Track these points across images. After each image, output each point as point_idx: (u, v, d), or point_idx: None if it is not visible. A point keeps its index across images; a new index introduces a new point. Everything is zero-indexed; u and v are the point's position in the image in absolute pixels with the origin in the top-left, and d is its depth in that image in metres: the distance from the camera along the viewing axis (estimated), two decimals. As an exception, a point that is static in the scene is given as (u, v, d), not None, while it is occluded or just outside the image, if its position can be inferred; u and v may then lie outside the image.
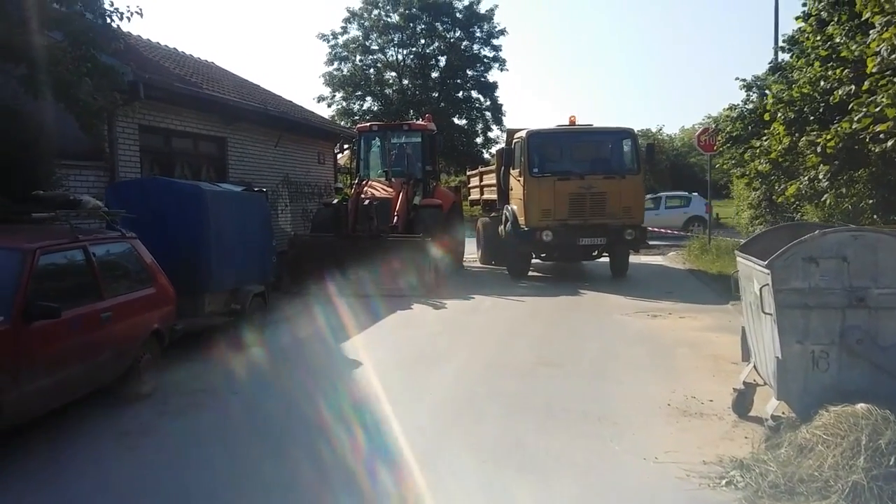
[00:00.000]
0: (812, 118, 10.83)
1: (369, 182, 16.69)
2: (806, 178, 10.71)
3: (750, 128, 16.58)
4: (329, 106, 42.84)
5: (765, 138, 12.47)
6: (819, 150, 9.82)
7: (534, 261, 17.06)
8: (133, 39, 15.78)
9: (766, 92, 16.45)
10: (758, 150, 12.50)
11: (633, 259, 16.85)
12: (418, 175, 17.04)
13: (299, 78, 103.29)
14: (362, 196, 15.80)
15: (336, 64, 42.99)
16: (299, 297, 13.41)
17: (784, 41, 15.33)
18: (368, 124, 18.45)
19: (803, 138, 10.38)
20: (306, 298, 13.12)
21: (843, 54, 9.13)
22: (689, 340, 9.50)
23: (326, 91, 43.02)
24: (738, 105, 17.27)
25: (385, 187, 16.30)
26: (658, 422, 6.20)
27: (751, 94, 17.10)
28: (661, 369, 8.00)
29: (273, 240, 10.36)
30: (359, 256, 13.93)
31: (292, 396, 7.19)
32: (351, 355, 8.96)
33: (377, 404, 6.77)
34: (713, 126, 18.56)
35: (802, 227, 6.71)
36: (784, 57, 16.29)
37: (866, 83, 8.37)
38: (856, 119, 8.32)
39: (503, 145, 17.63)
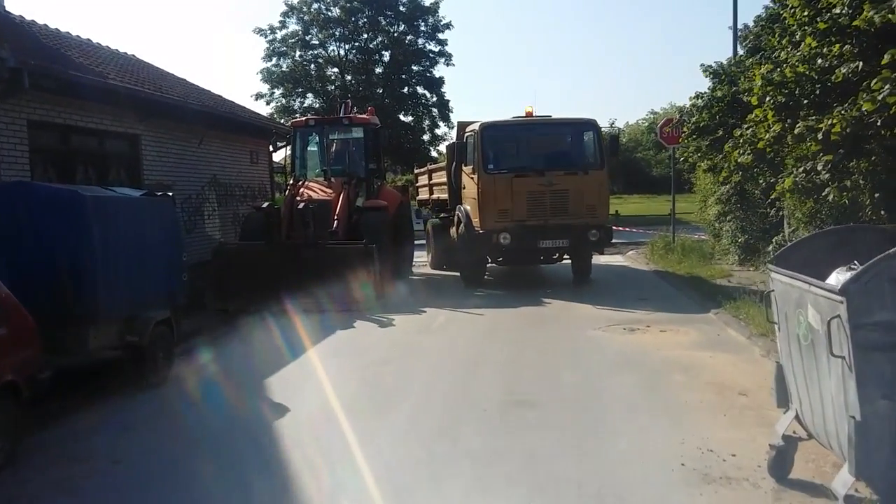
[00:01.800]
0: (806, 102, 9.51)
1: (306, 183, 14.95)
2: (801, 169, 9.39)
3: (718, 117, 15.40)
4: (268, 104, 40.67)
5: (747, 126, 11.14)
6: (821, 137, 8.49)
7: (490, 264, 15.55)
8: (33, 27, 13.87)
9: (737, 80, 15.32)
10: (740, 140, 11.17)
11: (594, 259, 15.46)
12: (361, 174, 15.35)
13: (236, 75, 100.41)
14: (297, 199, 14.06)
15: (274, 60, 40.80)
16: (221, 317, 11.66)
17: (758, 20, 14.09)
18: (304, 119, 16.68)
19: (800, 124, 9.04)
20: (229, 319, 11.39)
21: (855, 23, 7.81)
22: (681, 363, 8.06)
23: (265, 88, 40.88)
24: (705, 93, 16.05)
25: (324, 188, 14.59)
26: (676, 495, 4.69)
27: (717, 81, 15.88)
28: (660, 408, 6.52)
29: (183, 253, 8.61)
30: (294, 267, 12.26)
31: (184, 471, 5.49)
32: (275, 396, 7.29)
33: (295, 488, 5.09)
34: (677, 116, 17.27)
35: (858, 230, 5.29)
36: (740, 50, 15.30)
37: (887, 55, 7.03)
38: (879, 98, 6.97)
39: (454, 140, 16.05)
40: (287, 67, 40.86)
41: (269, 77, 40.43)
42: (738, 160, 11.60)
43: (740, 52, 16.65)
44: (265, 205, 13.45)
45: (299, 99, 41.20)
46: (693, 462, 5.12)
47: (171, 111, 14.06)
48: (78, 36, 16.42)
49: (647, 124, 76.73)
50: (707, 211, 18.66)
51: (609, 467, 5.15)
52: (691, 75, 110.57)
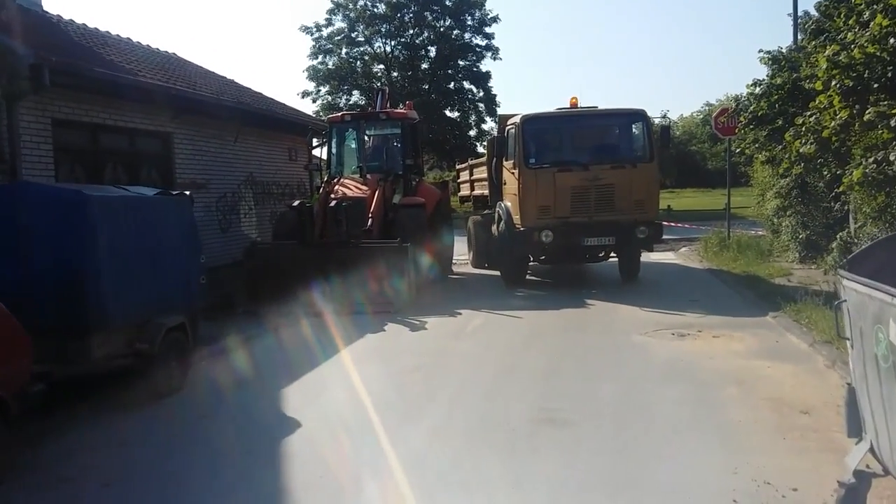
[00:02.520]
0: (877, 85, 8.62)
1: (342, 180, 14.48)
2: (871, 160, 8.52)
3: (777, 106, 14.42)
4: (314, 101, 40.73)
5: (810, 114, 10.26)
6: (894, 123, 7.65)
7: (532, 263, 14.87)
8: (69, 26, 13.74)
9: (798, 65, 14.33)
10: (803, 129, 10.29)
11: (644, 257, 14.65)
12: (398, 170, 14.82)
13: (282, 73, 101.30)
14: (332, 196, 13.61)
15: (320, 57, 40.83)
16: (252, 318, 11.27)
17: (820, 4, 13.08)
18: (340, 114, 16.20)
19: (870, 110, 8.19)
20: (258, 321, 10.99)
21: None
22: (735, 375, 7.31)
23: (311, 86, 40.85)
24: (764, 81, 15.07)
25: (359, 185, 14.10)
26: (727, 541, 4.02)
27: (777, 68, 14.90)
28: (710, 428, 5.81)
29: (201, 256, 8.18)
30: (326, 267, 11.81)
31: (176, 494, 5.02)
32: (290, 409, 6.79)
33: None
34: (734, 106, 16.30)
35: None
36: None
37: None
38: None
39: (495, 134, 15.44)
40: (333, 65, 40.79)
41: (315, 75, 40.40)
42: (800, 150, 10.72)
43: (801, 41, 15.61)
44: (296, 203, 13.00)
45: (345, 96, 41.03)
46: (747, 499, 4.42)
47: (205, 108, 13.77)
48: (117, 35, 16.29)
49: (701, 116, 74.69)
50: (765, 205, 17.62)
51: (650, 501, 4.50)
52: (748, 66, 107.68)
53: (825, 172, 10.70)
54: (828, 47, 9.81)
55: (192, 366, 8.05)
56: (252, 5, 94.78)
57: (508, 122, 14.35)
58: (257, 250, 12.74)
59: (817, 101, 10.19)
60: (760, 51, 15.48)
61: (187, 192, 8.12)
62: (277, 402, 7.02)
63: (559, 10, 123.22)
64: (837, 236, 13.06)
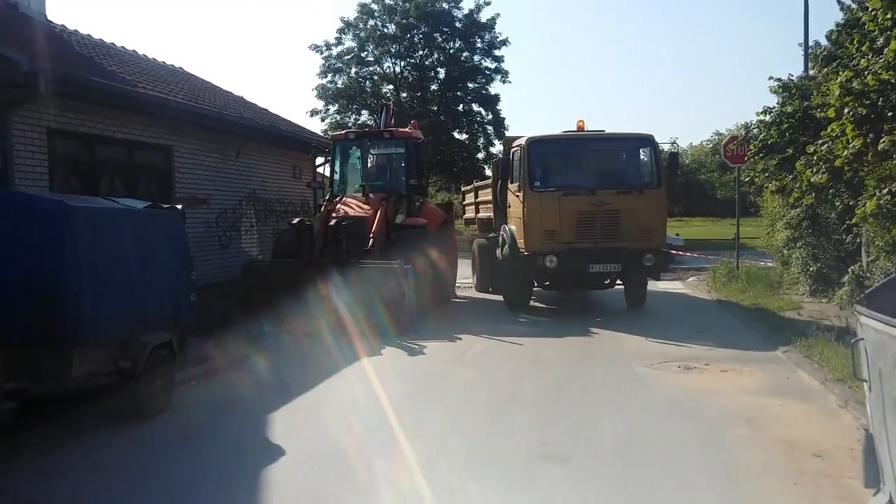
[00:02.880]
0: (891, 114, 8.35)
1: (343, 199, 14.24)
2: (886, 190, 8.23)
3: (788, 134, 14.16)
4: (323, 120, 40.51)
5: (822, 142, 9.99)
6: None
7: (536, 288, 14.55)
8: (73, 37, 13.61)
9: (809, 93, 14.09)
10: (814, 158, 10.02)
11: (650, 286, 14.33)
12: (402, 190, 14.57)
13: (292, 91, 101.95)
14: (333, 215, 13.37)
15: (330, 76, 40.68)
16: (247, 337, 10.97)
17: (831, 33, 12.88)
18: (344, 132, 16.01)
19: (884, 139, 7.91)
20: (253, 340, 10.70)
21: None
22: (744, 413, 6.97)
23: (320, 104, 40.73)
24: (773, 108, 14.83)
25: (360, 204, 13.85)
26: None
27: (787, 96, 14.66)
28: (716, 471, 5.47)
29: (193, 272, 7.91)
30: (324, 286, 11.54)
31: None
32: (274, 435, 6.47)
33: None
34: (743, 133, 16.04)
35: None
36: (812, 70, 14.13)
37: None
38: None
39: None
40: (342, 84, 40.66)
41: (325, 93, 40.27)
42: (812, 180, 10.44)
43: (812, 71, 15.40)
44: (295, 221, 12.73)
45: (354, 115, 40.91)
46: (757, 551, 4.09)
47: (207, 122, 13.58)
48: (122, 47, 16.19)
49: (711, 145, 74.63)
50: (775, 236, 17.31)
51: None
52: (758, 96, 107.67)
53: (837, 203, 10.40)
54: (840, 74, 9.56)
55: (178, 385, 7.77)
56: (263, 23, 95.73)
57: (514, 144, 14.12)
58: (254, 268, 12.49)
59: (829, 130, 9.92)
60: (771, 78, 15.25)
61: (179, 206, 7.85)
62: (263, 428, 6.71)
63: (570, 35, 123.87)
64: (849, 270, 12.75)
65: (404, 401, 7.53)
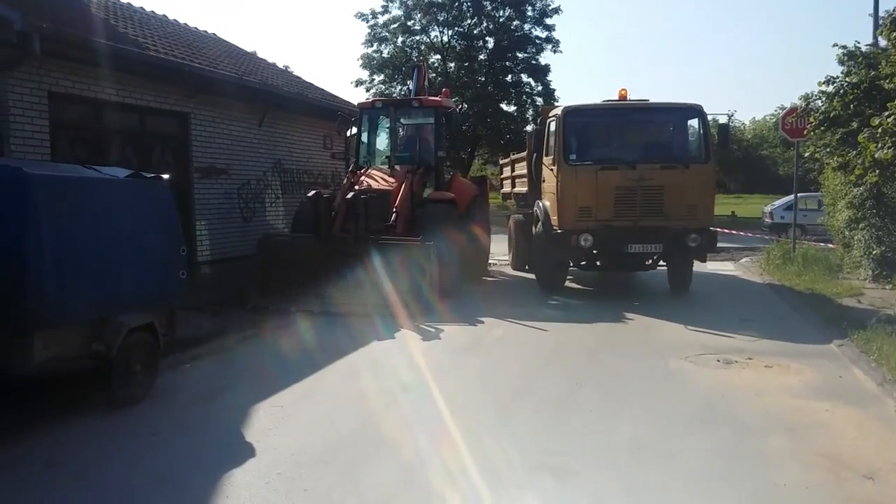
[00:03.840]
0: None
1: (369, 171, 13.54)
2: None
3: (852, 106, 12.92)
4: (368, 90, 39.82)
5: (889, 114, 8.87)
6: None
7: (573, 268, 13.67)
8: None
9: (877, 63, 12.81)
10: (879, 131, 8.91)
11: (698, 267, 13.26)
12: (430, 162, 13.79)
13: (337, 61, 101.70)
14: (356, 187, 12.69)
15: (375, 45, 39.94)
16: (257, 316, 10.45)
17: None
18: (371, 100, 15.25)
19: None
20: (264, 318, 10.18)
21: None
22: (786, 419, 6.07)
23: (365, 74, 40.04)
24: (837, 78, 13.55)
25: (386, 177, 13.13)
26: None
27: (854, 65, 13.38)
28: (747, 493, 4.64)
29: (181, 247, 7.30)
30: (342, 263, 10.92)
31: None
32: (253, 433, 5.81)
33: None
34: (803, 105, 14.79)
35: None
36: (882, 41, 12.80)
37: None
38: None
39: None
40: (388, 53, 39.87)
41: (369, 63, 39.57)
42: (876, 155, 9.32)
43: (881, 41, 14.06)
44: (311, 193, 12.07)
45: (399, 86, 40.11)
46: None
47: (227, 88, 12.95)
48: (152, 11, 15.74)
49: (773, 120, 71.75)
50: (836, 216, 16.03)
51: None
52: (825, 69, 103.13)
53: (906, 181, 9.28)
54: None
55: (165, 370, 7.23)
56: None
57: (550, 115, 13.19)
58: (270, 242, 11.89)
59: (898, 101, 8.83)
60: (835, 45, 13.98)
61: (165, 176, 7.22)
62: (244, 421, 6.08)
63: (625, 5, 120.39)
64: (917, 254, 11.59)
65: (399, 395, 6.79)
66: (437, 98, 14.52)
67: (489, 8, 39.33)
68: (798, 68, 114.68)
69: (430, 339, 9.24)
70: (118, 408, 6.35)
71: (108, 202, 6.51)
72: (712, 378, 7.41)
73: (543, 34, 39.74)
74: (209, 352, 8.62)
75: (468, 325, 10.13)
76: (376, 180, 13.03)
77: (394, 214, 12.13)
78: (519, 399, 6.64)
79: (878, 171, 10.23)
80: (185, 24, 17.07)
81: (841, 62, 13.55)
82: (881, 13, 18.55)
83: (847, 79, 13.15)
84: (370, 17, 39.54)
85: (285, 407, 6.42)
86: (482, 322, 10.27)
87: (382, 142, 14.59)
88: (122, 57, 10.28)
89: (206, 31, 17.75)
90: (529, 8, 39.37)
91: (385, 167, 13.51)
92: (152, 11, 15.84)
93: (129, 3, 15.13)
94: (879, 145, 9.13)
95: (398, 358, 8.30)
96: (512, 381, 7.31)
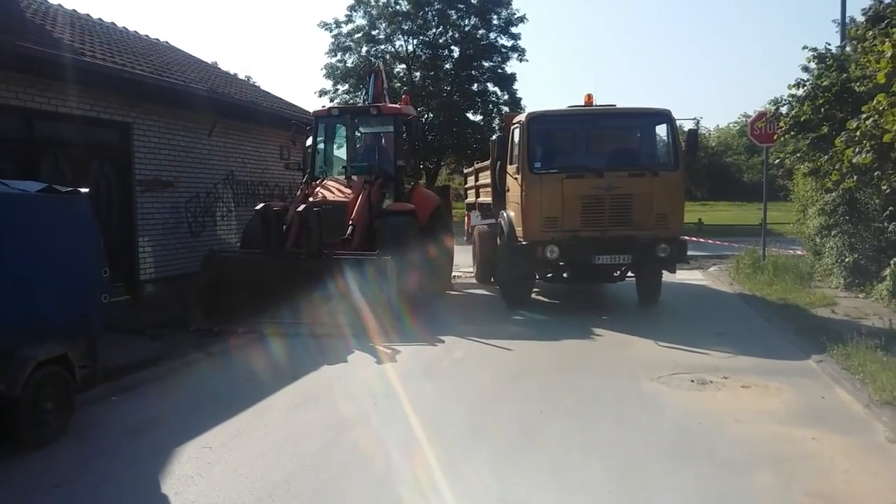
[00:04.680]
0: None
1: (324, 182, 12.87)
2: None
3: (823, 110, 12.58)
4: (332, 100, 39.20)
5: (866, 116, 8.43)
6: None
7: (538, 279, 13.08)
8: (24, 2, 12.34)
9: (847, 65, 12.51)
10: (857, 135, 8.46)
11: (667, 277, 12.74)
12: (389, 172, 13.15)
13: (301, 71, 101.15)
14: (310, 199, 12.03)
15: (339, 55, 39.38)
16: (203, 338, 9.73)
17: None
18: (327, 108, 14.57)
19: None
20: (208, 342, 9.47)
21: None
22: (770, 449, 5.52)
23: (329, 84, 39.41)
24: (808, 81, 13.21)
25: (342, 188, 12.48)
26: None
27: (824, 68, 13.05)
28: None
29: (103, 268, 6.60)
30: (293, 281, 10.25)
31: None
32: (173, 482, 5.10)
33: None
34: (772, 110, 14.44)
35: None
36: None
37: None
38: None
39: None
40: (352, 63, 39.30)
41: (333, 73, 38.97)
42: (853, 160, 8.89)
43: (848, 48, 13.83)
44: (259, 207, 11.36)
45: (364, 95, 39.49)
46: None
47: (172, 97, 12.25)
48: (99, 19, 15.00)
49: (738, 127, 72.43)
50: (806, 223, 15.68)
51: None
52: (789, 76, 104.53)
53: (884, 186, 8.79)
54: (893, 32, 8.00)
55: (82, 405, 6.49)
56: (271, 2, 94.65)
57: (514, 122, 12.65)
58: (215, 259, 11.14)
59: (875, 102, 8.40)
60: (805, 48, 13.66)
61: (84, 190, 6.50)
62: (164, 467, 5.37)
63: (590, 12, 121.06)
64: (892, 262, 11.21)
65: (343, 434, 6.07)
66: (396, 105, 13.91)
67: (454, 17, 39.02)
68: (760, 77, 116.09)
69: (385, 362, 8.59)
70: (24, 453, 5.61)
71: (14, 220, 5.78)
72: (686, 402, 6.86)
73: (509, 43, 39.64)
74: (142, 381, 7.90)
75: (427, 344, 9.50)
76: (332, 191, 12.37)
77: (350, 227, 11.48)
78: (477, 435, 5.99)
79: (855, 178, 9.79)
80: (136, 32, 16.32)
81: (810, 62, 13.21)
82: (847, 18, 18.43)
83: (818, 82, 12.82)
84: (334, 26, 39.07)
85: (214, 448, 5.72)
86: (442, 341, 9.65)
87: (340, 151, 13.92)
88: (53, 63, 9.54)
89: (157, 40, 17.00)
90: (495, 17, 39.14)
91: (342, 177, 12.85)
92: (99, 19, 15.09)
93: (73, 10, 14.36)
94: (857, 150, 8.69)
95: (348, 385, 7.63)
96: (471, 409, 6.67)
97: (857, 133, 8.49)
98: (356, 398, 7.08)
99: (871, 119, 8.35)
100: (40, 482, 5.15)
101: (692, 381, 7.56)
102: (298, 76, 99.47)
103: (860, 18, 14.07)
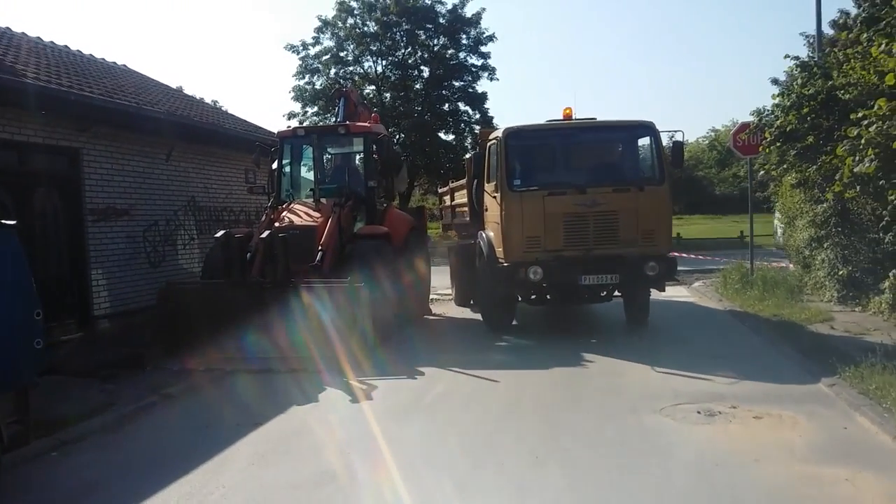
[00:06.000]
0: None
1: (291, 206, 12.11)
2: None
3: (809, 119, 12.11)
4: (301, 122, 38.32)
5: (868, 122, 7.89)
6: None
7: (521, 302, 12.38)
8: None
9: (831, 72, 12.09)
10: (860, 143, 7.90)
11: (653, 294, 12.04)
12: (360, 193, 12.43)
13: (268, 94, 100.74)
14: (276, 224, 11.27)
15: (307, 77, 38.59)
16: (161, 377, 8.89)
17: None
18: (293, 128, 13.84)
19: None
20: (165, 382, 8.63)
21: None
22: (800, 494, 4.85)
23: (297, 106, 38.59)
24: (792, 90, 12.81)
25: (310, 212, 11.73)
26: None
27: (807, 76, 12.64)
28: None
29: (36, 309, 5.79)
30: (260, 311, 9.49)
31: None
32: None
33: None
34: (756, 121, 13.99)
35: None
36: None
37: None
38: None
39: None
40: (321, 85, 38.54)
41: (301, 95, 38.17)
42: (856, 170, 8.33)
43: (838, 51, 13.46)
44: (219, 234, 10.58)
45: (333, 117, 38.75)
46: None
47: (125, 120, 11.50)
48: (51, 42, 14.20)
49: (707, 141, 72.98)
50: (794, 235, 15.19)
51: None
52: (756, 92, 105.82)
53: (892, 197, 8.19)
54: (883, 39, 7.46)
55: (14, 464, 5.66)
56: (236, 24, 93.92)
57: (490, 138, 12.01)
58: (173, 292, 10.32)
59: (876, 108, 7.88)
60: (787, 56, 13.33)
61: (10, 222, 5.70)
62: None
63: (559, 30, 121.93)
64: (891, 274, 10.67)
65: (310, 495, 5.31)
66: (365, 124, 13.20)
67: (423, 37, 38.47)
68: (728, 91, 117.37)
69: (360, 401, 7.80)
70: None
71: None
72: (698, 439, 6.16)
73: (479, 62, 39.05)
74: (90, 432, 7.04)
75: (406, 377, 8.74)
76: (299, 215, 11.61)
77: (319, 253, 10.72)
78: (464, 492, 5.23)
79: (858, 187, 9.23)
80: (91, 55, 15.55)
81: (775, 82, 12.82)
82: (813, 31, 18.19)
83: (802, 91, 12.38)
84: (301, 48, 38.29)
85: (163, 515, 4.92)
86: (422, 373, 8.90)
87: (308, 174, 13.18)
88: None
89: (114, 63, 16.22)
90: (464, 36, 38.62)
91: (310, 201, 12.09)
92: (51, 42, 14.30)
93: (23, 33, 13.60)
94: (857, 158, 8.14)
95: (318, 431, 6.83)
96: (458, 461, 5.87)
97: (862, 141, 7.93)
98: (327, 447, 6.29)
99: (875, 126, 7.80)
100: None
101: (698, 412, 6.88)
102: (267, 100, 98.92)
103: (854, 17, 13.71)
